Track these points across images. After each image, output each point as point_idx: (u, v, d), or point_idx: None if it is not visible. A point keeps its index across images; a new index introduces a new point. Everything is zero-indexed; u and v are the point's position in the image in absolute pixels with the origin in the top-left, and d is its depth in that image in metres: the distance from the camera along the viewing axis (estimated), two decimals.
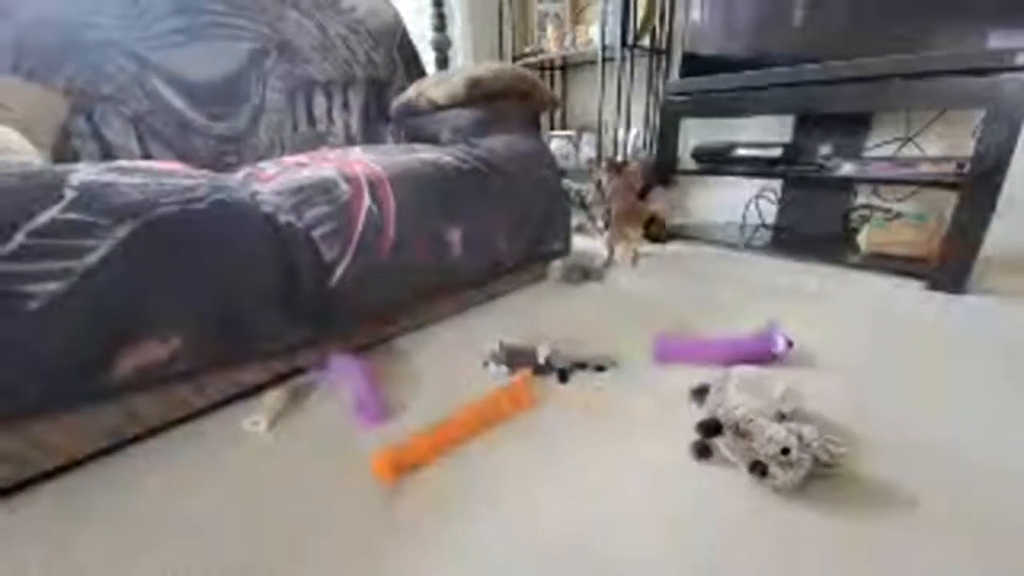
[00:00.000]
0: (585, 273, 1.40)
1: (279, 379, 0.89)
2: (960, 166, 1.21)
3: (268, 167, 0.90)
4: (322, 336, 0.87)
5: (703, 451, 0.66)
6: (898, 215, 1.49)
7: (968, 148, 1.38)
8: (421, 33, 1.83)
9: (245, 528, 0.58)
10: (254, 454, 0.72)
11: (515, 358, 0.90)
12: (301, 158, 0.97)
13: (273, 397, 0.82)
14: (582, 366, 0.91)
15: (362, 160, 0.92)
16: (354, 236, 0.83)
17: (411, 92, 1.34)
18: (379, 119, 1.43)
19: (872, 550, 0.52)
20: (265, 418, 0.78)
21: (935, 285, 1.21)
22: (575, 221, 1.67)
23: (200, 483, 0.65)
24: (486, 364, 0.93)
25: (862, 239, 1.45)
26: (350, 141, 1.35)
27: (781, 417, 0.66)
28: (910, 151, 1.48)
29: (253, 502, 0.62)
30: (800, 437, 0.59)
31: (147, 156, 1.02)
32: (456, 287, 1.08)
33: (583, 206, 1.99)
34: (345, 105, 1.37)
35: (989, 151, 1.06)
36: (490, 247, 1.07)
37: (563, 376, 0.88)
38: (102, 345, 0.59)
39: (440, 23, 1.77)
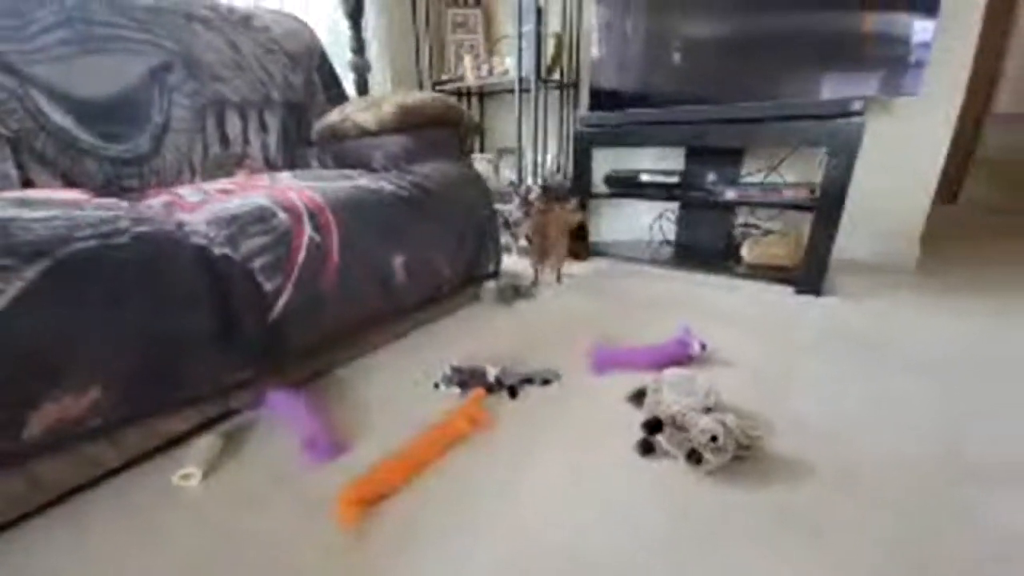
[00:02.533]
0: (517, 292, 1.47)
1: (209, 424, 0.81)
2: (812, 191, 1.50)
3: (188, 194, 0.84)
4: (263, 373, 0.82)
5: (647, 448, 0.75)
6: (768, 232, 1.79)
7: (817, 175, 1.72)
8: (336, 56, 1.80)
9: None
10: (189, 512, 0.65)
11: (467, 379, 0.93)
12: (225, 184, 0.91)
13: (205, 444, 0.75)
14: (529, 381, 0.96)
15: (296, 187, 0.89)
16: (295, 267, 0.80)
17: (335, 116, 1.32)
18: (300, 142, 1.38)
19: (783, 513, 0.63)
20: (197, 469, 0.71)
21: (800, 289, 1.47)
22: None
23: (124, 556, 0.58)
24: (437, 386, 0.94)
25: (744, 253, 1.70)
26: (269, 165, 1.29)
27: (707, 410, 0.77)
28: (775, 178, 1.79)
29: (195, 571, 0.56)
30: (725, 425, 0.70)
31: (27, 183, 0.88)
32: (400, 313, 1.08)
33: (507, 227, 2.07)
34: (262, 126, 1.31)
35: (832, 181, 1.34)
36: (432, 272, 1.08)
37: (513, 392, 0.93)
38: (11, 405, 0.51)
39: (359, 46, 1.76)
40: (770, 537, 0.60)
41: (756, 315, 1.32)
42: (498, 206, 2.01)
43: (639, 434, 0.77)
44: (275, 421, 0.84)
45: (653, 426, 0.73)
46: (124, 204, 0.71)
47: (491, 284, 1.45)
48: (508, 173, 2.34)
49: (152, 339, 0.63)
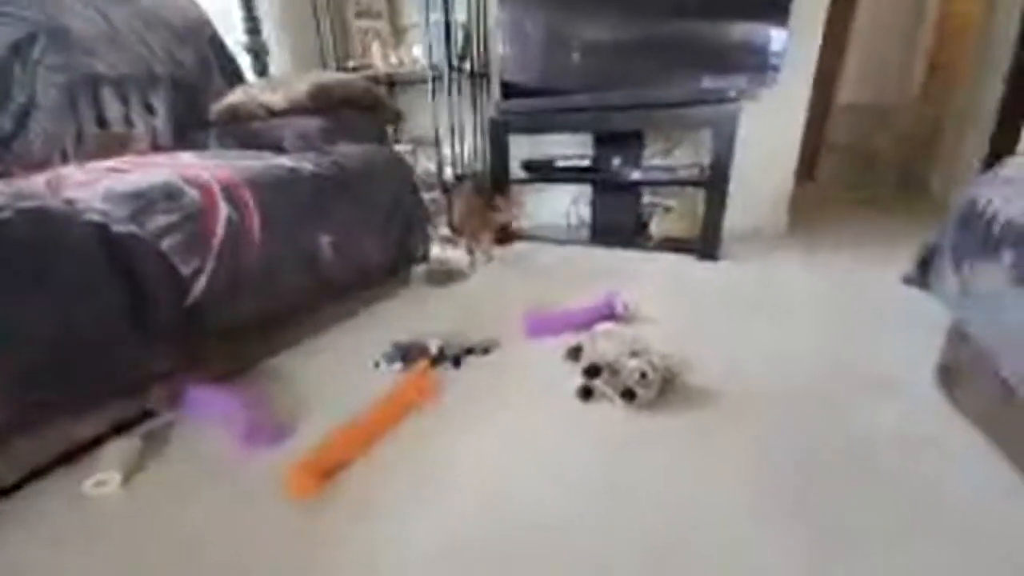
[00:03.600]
0: (448, 275, 1.48)
1: (122, 428, 0.73)
2: (702, 170, 1.69)
3: (71, 173, 0.74)
4: (182, 364, 0.75)
5: (586, 393, 0.81)
6: (670, 209, 1.98)
7: (705, 157, 1.94)
8: (230, 36, 1.66)
9: None
10: (108, 517, 0.59)
11: (409, 353, 0.93)
12: (114, 163, 0.81)
13: (121, 447, 0.68)
14: (471, 351, 0.99)
15: (203, 164, 0.83)
16: (213, 246, 0.74)
17: (238, 96, 1.22)
18: (195, 124, 1.26)
19: (700, 429, 0.73)
20: (115, 472, 0.64)
21: (701, 257, 1.66)
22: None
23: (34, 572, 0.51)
24: (377, 365, 0.93)
25: (652, 228, 1.88)
26: (158, 147, 1.16)
27: (634, 353, 0.85)
28: (673, 160, 1.99)
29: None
30: (652, 363, 0.79)
31: None
32: (330, 297, 1.04)
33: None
34: (147, 107, 1.17)
35: (718, 158, 1.53)
36: (361, 253, 1.06)
37: (456, 362, 0.95)
38: None
39: (252, 25, 1.65)
40: (689, 449, 0.69)
41: (666, 280, 1.47)
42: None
43: (578, 385, 0.83)
44: (199, 420, 0.78)
45: (592, 371, 0.80)
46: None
47: (421, 268, 1.44)
48: (426, 163, 2.33)
49: (48, 330, 0.56)
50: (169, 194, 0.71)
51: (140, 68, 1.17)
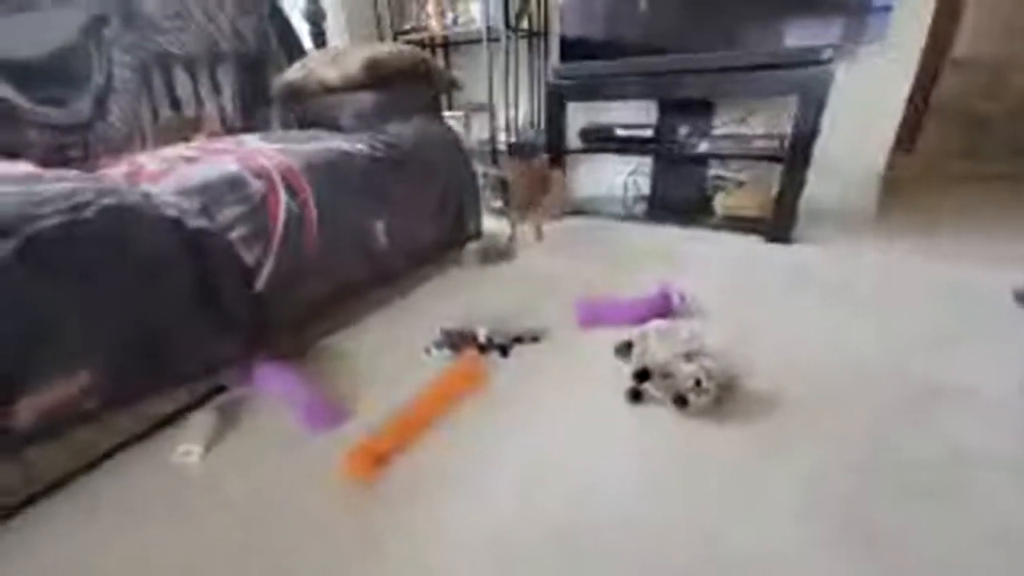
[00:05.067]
0: (499, 253, 1.47)
1: (199, 402, 0.80)
2: (781, 142, 1.53)
3: (148, 162, 0.78)
4: (250, 348, 0.80)
5: (636, 395, 0.79)
6: (740, 184, 1.83)
7: (785, 127, 1.75)
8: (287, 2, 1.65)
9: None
10: (195, 485, 0.66)
11: (458, 341, 0.94)
12: (186, 150, 0.85)
13: (200, 420, 0.75)
14: (519, 340, 0.98)
15: (266, 152, 0.85)
16: (275, 236, 0.77)
17: (296, 72, 1.23)
18: (259, 102, 1.29)
19: (761, 442, 0.69)
20: (197, 445, 0.71)
21: (770, 239, 1.53)
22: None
23: (133, 535, 0.58)
24: (428, 351, 0.95)
25: (717, 204, 1.75)
26: (227, 127, 1.20)
27: (689, 356, 0.81)
28: (746, 130, 1.81)
29: (214, 545, 0.57)
30: (707, 369, 0.75)
31: None
32: (384, 279, 1.06)
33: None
34: (215, 85, 1.21)
35: (801, 130, 1.37)
36: (415, 236, 1.07)
37: (504, 351, 0.95)
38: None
39: None
40: (743, 464, 0.65)
41: (729, 266, 1.38)
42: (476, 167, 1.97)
43: (627, 384, 0.81)
44: (267, 396, 0.84)
45: (642, 375, 0.77)
46: (84, 175, 0.66)
47: (473, 246, 1.44)
48: (479, 131, 2.27)
49: (134, 317, 0.61)
50: (235, 185, 0.74)
51: (207, 45, 1.20)
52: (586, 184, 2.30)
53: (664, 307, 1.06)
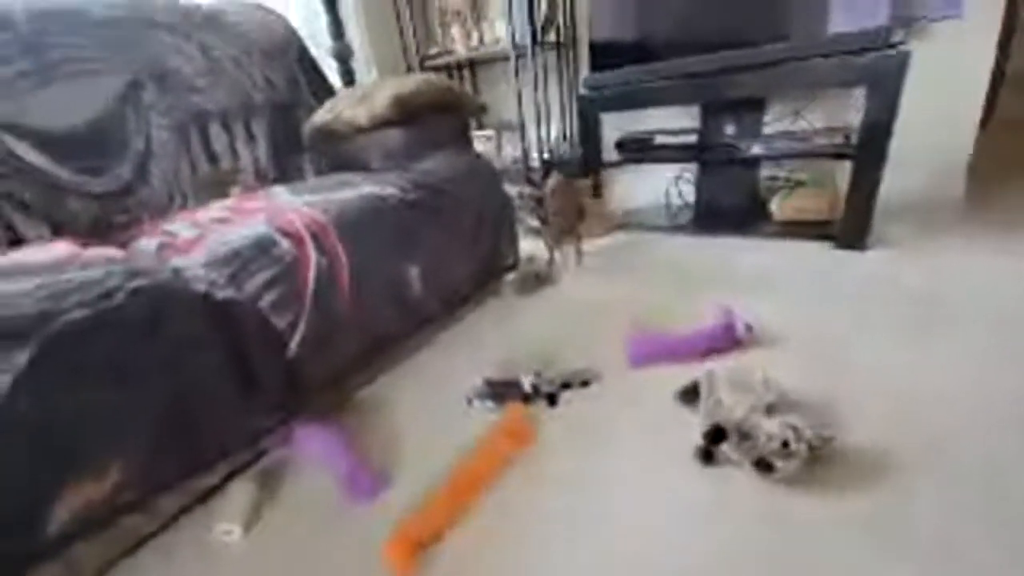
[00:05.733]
0: (539, 280, 1.40)
1: (243, 467, 0.78)
2: (847, 136, 1.37)
3: (181, 230, 0.77)
4: (288, 409, 0.77)
5: (708, 456, 0.69)
6: (799, 184, 1.66)
7: (846, 118, 1.58)
8: (313, 42, 1.67)
9: None
10: (236, 570, 0.62)
11: (501, 391, 0.87)
12: (220, 211, 0.84)
13: (241, 494, 0.72)
14: (567, 385, 0.90)
15: (296, 206, 0.82)
16: (306, 297, 0.74)
17: (325, 115, 1.22)
18: (291, 148, 1.29)
19: (867, 523, 0.58)
20: (237, 525, 0.67)
21: (842, 245, 1.37)
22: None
23: None
24: (470, 402, 0.89)
25: (774, 209, 1.59)
26: (261, 177, 1.21)
27: (769, 408, 0.70)
28: (802, 125, 1.65)
29: None
30: (794, 428, 0.64)
31: (12, 232, 0.82)
32: (420, 325, 1.02)
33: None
34: (250, 136, 1.22)
35: (873, 123, 1.21)
36: (450, 277, 1.02)
37: (552, 400, 0.87)
38: (26, 505, 0.47)
39: (338, 30, 1.64)
40: (845, 547, 0.54)
41: (796, 279, 1.23)
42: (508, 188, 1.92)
43: (695, 436, 0.71)
44: (308, 456, 0.81)
45: (715, 435, 0.67)
46: (114, 254, 0.65)
47: (511, 276, 1.38)
48: (511, 149, 2.22)
49: (165, 401, 0.58)
50: (264, 248, 0.71)
51: (240, 97, 1.21)
52: (626, 196, 2.19)
53: (727, 339, 0.94)
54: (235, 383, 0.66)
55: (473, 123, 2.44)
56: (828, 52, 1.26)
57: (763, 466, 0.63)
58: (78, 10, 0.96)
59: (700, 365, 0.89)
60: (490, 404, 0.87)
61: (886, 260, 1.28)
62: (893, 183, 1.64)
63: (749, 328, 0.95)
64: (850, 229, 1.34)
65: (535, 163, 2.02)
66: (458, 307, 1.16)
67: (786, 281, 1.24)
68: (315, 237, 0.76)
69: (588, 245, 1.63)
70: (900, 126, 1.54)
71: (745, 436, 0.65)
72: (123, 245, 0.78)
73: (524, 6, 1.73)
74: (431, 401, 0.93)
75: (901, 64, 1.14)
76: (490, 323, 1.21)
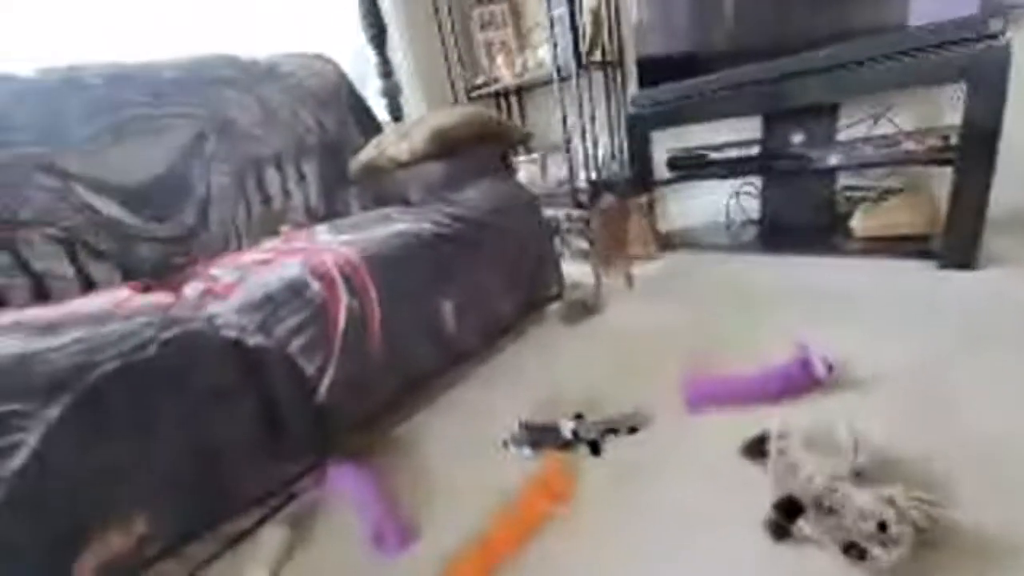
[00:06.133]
0: (585, 308, 1.32)
1: (275, 511, 0.77)
2: (945, 138, 1.18)
3: (223, 274, 0.79)
4: (319, 453, 0.76)
5: (780, 531, 0.58)
6: (886, 194, 1.46)
7: (942, 117, 1.37)
8: (363, 81, 1.75)
9: None
10: None
11: (539, 437, 0.81)
12: (262, 253, 0.87)
13: (271, 540, 0.70)
14: (613, 431, 0.82)
15: (330, 247, 0.82)
16: (335, 340, 0.72)
17: (370, 152, 1.25)
18: (339, 185, 1.33)
19: None
20: (265, 571, 0.66)
21: (946, 263, 1.17)
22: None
23: None
24: (506, 445, 0.83)
25: (856, 224, 1.41)
26: (311, 215, 1.25)
27: (858, 475, 0.58)
28: (885, 128, 1.46)
29: None
30: (894, 504, 0.51)
31: (86, 278, 0.90)
32: (456, 361, 0.98)
33: (559, 232, 1.92)
34: (301, 177, 1.28)
35: (976, 122, 1.03)
36: (487, 311, 0.98)
37: (595, 448, 0.79)
38: (51, 558, 0.48)
39: (387, 70, 1.70)
40: None
41: (888, 305, 1.06)
42: (549, 211, 1.87)
43: (764, 499, 0.60)
44: (340, 497, 0.78)
45: (790, 510, 0.56)
46: (165, 300, 0.67)
47: (555, 306, 1.31)
48: (556, 171, 2.18)
49: (194, 453, 0.58)
50: (296, 291, 0.72)
51: (293, 141, 1.28)
52: (681, 215, 2.06)
53: (803, 379, 0.81)
54: (264, 430, 0.65)
55: (521, 148, 2.44)
56: (916, 47, 1.10)
57: (855, 552, 0.51)
58: (148, 71, 1.06)
59: (770, 411, 0.77)
60: (527, 452, 0.80)
61: (999, 281, 1.07)
62: (1004, 191, 1.40)
63: (830, 366, 0.81)
64: (955, 244, 1.14)
65: (583, 184, 1.96)
66: (497, 339, 1.11)
67: (876, 307, 1.07)
68: (347, 279, 0.76)
69: (640, 268, 1.53)
70: (1010, 124, 1.32)
71: (829, 511, 0.54)
72: (176, 288, 0.82)
73: (567, 29, 1.70)
74: (466, 442, 0.88)
75: (1002, 56, 0.97)
76: (532, 356, 1.15)
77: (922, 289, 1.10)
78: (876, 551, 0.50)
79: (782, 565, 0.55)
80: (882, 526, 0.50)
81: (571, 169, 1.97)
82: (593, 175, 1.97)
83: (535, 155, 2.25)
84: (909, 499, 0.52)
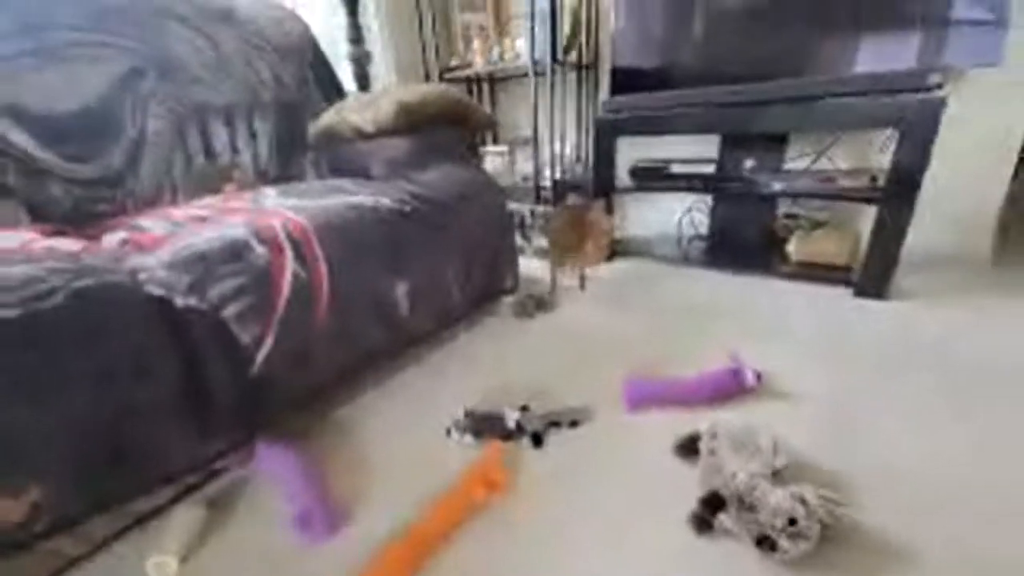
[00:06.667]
0: (538, 304, 1.33)
1: (191, 490, 0.71)
2: (873, 179, 1.30)
3: (152, 226, 0.72)
4: (249, 430, 0.71)
5: (704, 524, 0.61)
6: (818, 224, 1.59)
7: (872, 160, 1.51)
8: (334, 46, 1.66)
9: None
10: None
11: (482, 426, 0.80)
12: (199, 210, 0.79)
13: (183, 520, 0.65)
14: (555, 424, 0.83)
15: (279, 210, 0.77)
16: (277, 309, 0.68)
17: (331, 117, 1.18)
18: (295, 148, 1.25)
19: None
20: (173, 556, 0.61)
21: (861, 292, 1.29)
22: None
23: None
24: (448, 433, 0.82)
25: (791, 249, 1.52)
26: (261, 175, 1.17)
27: (776, 474, 0.63)
28: (825, 164, 1.59)
29: None
30: (805, 503, 0.56)
31: None
32: (407, 345, 0.96)
33: (521, 227, 1.93)
34: (252, 134, 1.18)
35: (904, 167, 1.14)
36: (441, 297, 0.96)
37: (537, 440, 0.80)
38: None
39: (356, 34, 1.61)
40: None
41: (812, 326, 1.16)
42: (513, 205, 1.87)
43: (691, 496, 0.63)
44: (267, 479, 0.74)
45: (714, 504, 0.59)
46: (75, 247, 0.60)
47: (509, 299, 1.31)
48: (523, 166, 2.18)
49: (102, 421, 0.52)
50: (236, 253, 0.66)
51: (246, 94, 1.18)
52: (636, 223, 2.13)
53: (734, 387, 0.87)
54: (186, 401, 0.60)
55: (488, 137, 2.42)
56: (863, 90, 1.20)
57: (767, 544, 0.56)
58: None
59: (703, 413, 0.82)
60: (469, 439, 0.80)
61: (909, 311, 1.20)
62: (916, 232, 1.56)
63: (758, 376, 0.88)
64: (871, 276, 1.26)
65: (548, 182, 1.98)
66: (450, 326, 1.09)
67: (801, 327, 1.16)
68: (295, 245, 0.71)
69: (593, 271, 1.57)
70: (928, 175, 1.47)
71: (748, 507, 0.58)
72: (94, 238, 0.74)
73: (547, 25, 1.70)
74: (409, 426, 0.86)
75: (934, 109, 1.08)
76: (484, 346, 1.15)
77: (840, 315, 1.21)
78: (785, 544, 0.54)
79: (701, 556, 0.58)
80: (792, 521, 0.54)
81: (536, 165, 1.98)
82: (558, 174, 1.99)
83: (503, 147, 2.24)
84: (818, 498, 0.57)
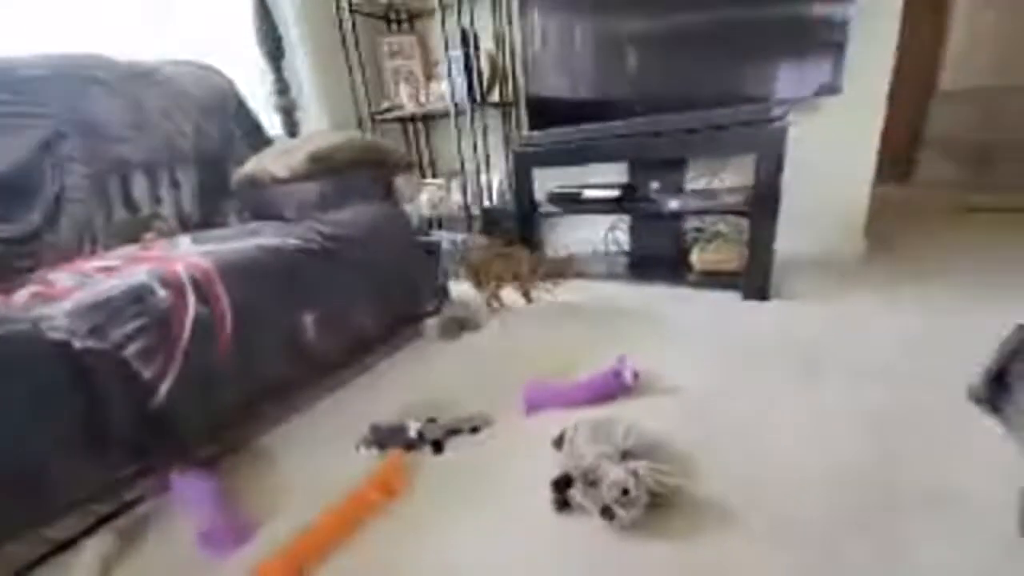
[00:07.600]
0: (462, 325, 1.43)
1: (105, 520, 0.76)
2: (746, 196, 1.48)
3: (62, 278, 0.79)
4: (158, 462, 0.77)
5: (563, 504, 0.71)
6: (717, 235, 1.77)
7: (751, 179, 1.71)
8: (269, 98, 1.75)
9: None
10: None
11: (387, 438, 0.88)
12: (112, 260, 0.86)
13: (92, 550, 0.70)
14: (456, 431, 0.92)
15: (187, 256, 0.85)
16: (179, 345, 0.75)
17: (253, 165, 1.27)
18: (219, 195, 1.33)
19: (699, 570, 0.60)
20: None
21: (747, 295, 1.45)
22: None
23: None
24: (358, 447, 0.90)
25: (694, 260, 1.69)
26: (184, 223, 1.24)
27: (624, 456, 0.73)
28: (716, 184, 1.78)
29: None
30: (636, 475, 0.66)
31: None
32: (319, 372, 1.03)
33: (458, 252, 2.04)
34: (174, 184, 1.26)
35: (763, 184, 1.32)
36: (350, 324, 1.04)
37: (437, 447, 0.88)
38: None
39: (282, 85, 1.72)
40: None
41: (704, 328, 1.30)
42: (445, 234, 1.99)
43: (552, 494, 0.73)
44: (180, 507, 0.79)
45: (560, 483, 0.69)
46: None
47: (433, 321, 1.41)
48: (459, 196, 2.31)
49: (8, 452, 0.58)
50: (138, 298, 0.73)
51: (168, 148, 1.26)
52: (567, 244, 2.28)
53: (614, 387, 0.98)
54: (87, 431, 0.66)
55: (427, 170, 2.55)
56: (726, 124, 1.39)
57: (607, 513, 0.66)
58: (5, 66, 1.01)
59: (589, 413, 0.92)
60: (375, 451, 0.88)
61: (784, 311, 1.36)
62: (799, 240, 1.77)
63: (636, 375, 0.99)
64: (753, 281, 1.42)
65: (476, 212, 2.11)
66: (366, 351, 1.17)
67: (693, 329, 1.30)
68: (197, 286, 0.79)
69: (521, 292, 1.68)
70: (803, 188, 1.68)
71: (592, 483, 0.68)
72: (8, 292, 0.79)
73: (462, 70, 1.86)
74: (320, 447, 0.93)
75: (780, 137, 1.27)
76: (401, 370, 1.23)
77: (728, 316, 1.36)
78: (620, 512, 0.65)
79: (560, 530, 0.68)
80: (624, 491, 0.65)
81: (465, 197, 2.11)
82: (487, 203, 2.12)
83: (440, 180, 2.37)
84: (649, 471, 0.68)
